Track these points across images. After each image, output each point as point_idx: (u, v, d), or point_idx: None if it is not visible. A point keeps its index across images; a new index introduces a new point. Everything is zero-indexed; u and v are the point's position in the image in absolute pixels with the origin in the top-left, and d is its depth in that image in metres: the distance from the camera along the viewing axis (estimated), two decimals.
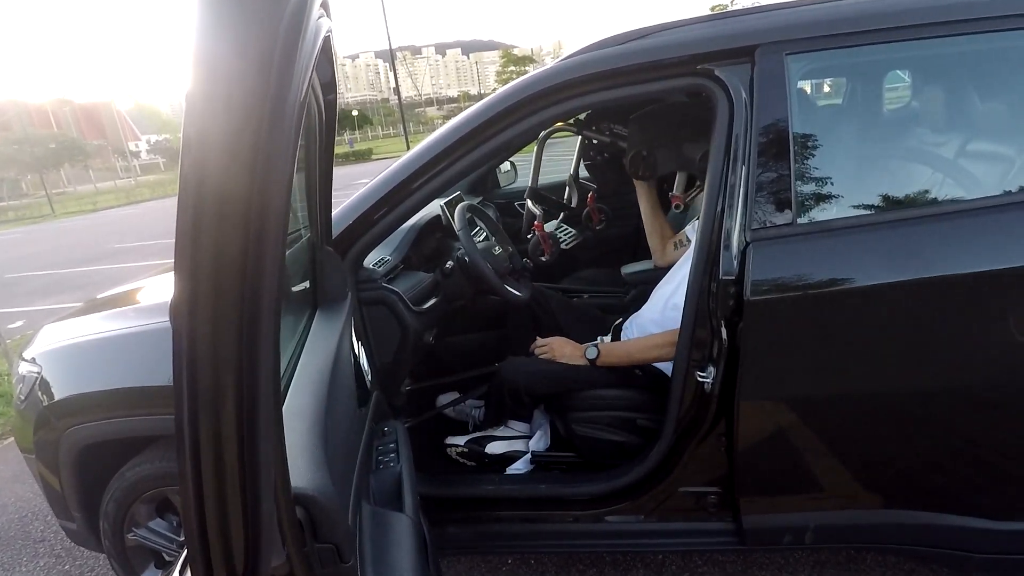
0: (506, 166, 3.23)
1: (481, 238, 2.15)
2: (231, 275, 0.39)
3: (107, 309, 1.79)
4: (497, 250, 1.93)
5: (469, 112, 1.49)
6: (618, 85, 1.40)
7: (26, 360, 1.71)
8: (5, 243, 13.84)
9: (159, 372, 1.47)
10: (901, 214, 1.25)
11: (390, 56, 27.27)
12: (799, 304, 1.25)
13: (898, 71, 1.63)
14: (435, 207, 2.25)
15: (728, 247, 1.30)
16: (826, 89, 2.07)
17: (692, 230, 2.00)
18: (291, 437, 0.63)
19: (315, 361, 0.95)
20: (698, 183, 2.03)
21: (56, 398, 1.57)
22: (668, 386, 1.59)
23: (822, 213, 1.28)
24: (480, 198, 2.97)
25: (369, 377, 1.22)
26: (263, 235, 0.39)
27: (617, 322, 2.01)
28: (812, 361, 1.30)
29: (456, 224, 1.80)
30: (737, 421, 1.35)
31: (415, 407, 2.17)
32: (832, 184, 1.29)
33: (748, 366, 1.30)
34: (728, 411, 1.38)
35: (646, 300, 1.91)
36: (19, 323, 5.71)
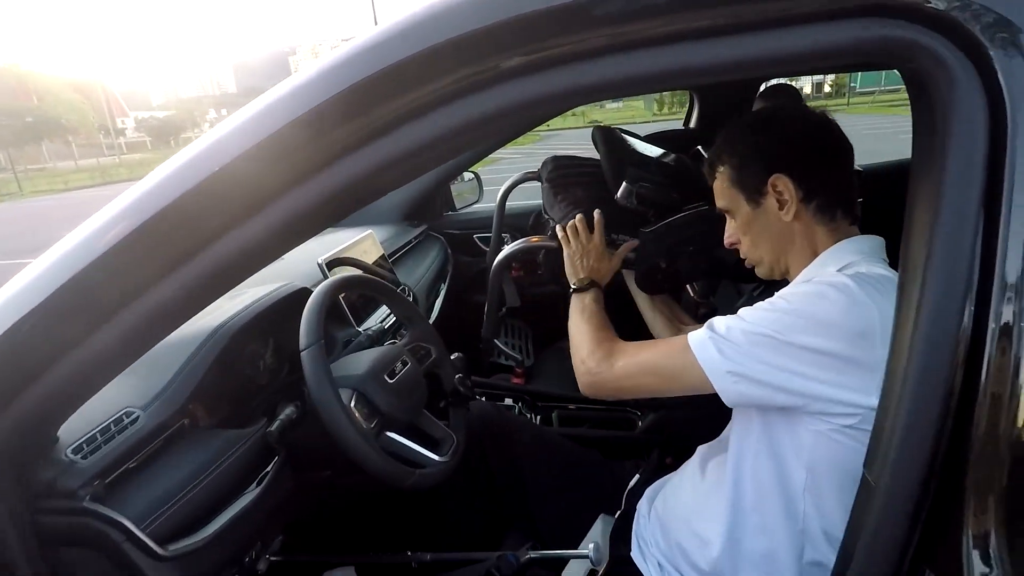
0: (467, 176, 2.28)
1: (374, 326, 1.24)
2: None
3: None
4: (401, 365, 1.01)
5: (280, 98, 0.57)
6: (697, 35, 0.48)
7: None
8: None
9: None
10: None
11: None
12: None
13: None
14: (307, 260, 1.32)
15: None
16: None
17: None
18: None
19: None
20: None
21: None
22: None
23: None
24: (422, 227, 2.03)
25: None
26: None
27: (631, 485, 1.13)
28: None
29: (303, 325, 0.88)
30: None
31: None
32: None
33: None
34: None
35: (684, 442, 1.04)
36: None
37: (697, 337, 0.79)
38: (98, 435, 0.74)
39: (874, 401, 0.69)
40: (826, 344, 0.70)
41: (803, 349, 0.71)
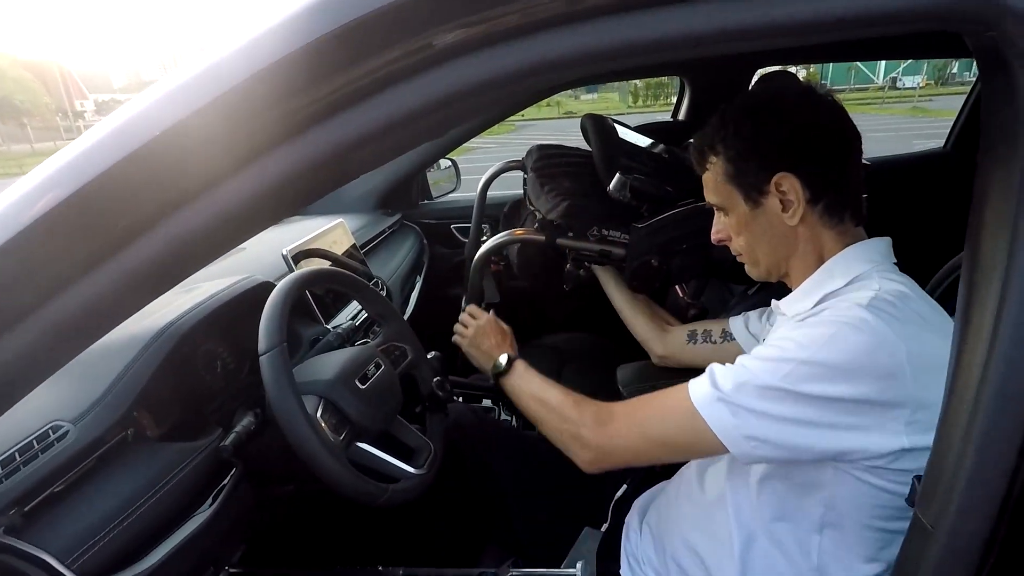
0: (444, 163, 2.18)
1: (344, 324, 1.15)
2: None
3: None
4: (374, 368, 0.93)
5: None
6: None
7: None
8: None
9: None
10: None
11: None
12: None
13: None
14: (271, 251, 1.22)
15: None
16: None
17: (740, 322, 1.05)
18: None
19: None
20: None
21: None
22: None
23: None
24: (396, 217, 1.94)
25: None
26: None
27: (619, 495, 1.08)
28: None
29: (263, 326, 0.79)
30: None
31: None
32: None
33: None
34: None
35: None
36: None
37: (702, 397, 0.69)
38: (16, 455, 0.64)
39: (906, 441, 0.63)
40: (848, 390, 0.63)
41: (823, 399, 0.64)
